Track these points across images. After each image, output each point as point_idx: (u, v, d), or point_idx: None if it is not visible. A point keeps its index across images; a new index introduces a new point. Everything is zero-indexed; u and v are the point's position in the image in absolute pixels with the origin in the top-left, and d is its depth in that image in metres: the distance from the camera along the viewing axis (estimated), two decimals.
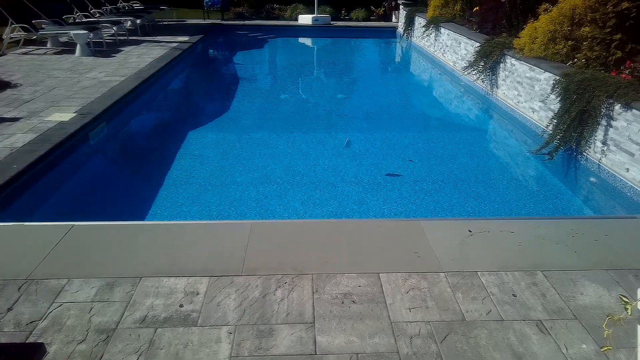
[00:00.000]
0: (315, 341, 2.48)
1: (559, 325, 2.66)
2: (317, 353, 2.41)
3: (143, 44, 11.67)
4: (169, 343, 2.43)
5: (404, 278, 3.01)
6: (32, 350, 1.06)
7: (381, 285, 2.94)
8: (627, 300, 2.22)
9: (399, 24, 15.68)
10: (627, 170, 4.79)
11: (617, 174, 4.93)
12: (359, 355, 2.41)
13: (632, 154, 4.71)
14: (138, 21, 13.27)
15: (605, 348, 2.42)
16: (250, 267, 3.07)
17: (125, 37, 12.21)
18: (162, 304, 2.71)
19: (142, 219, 4.37)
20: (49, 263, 3.05)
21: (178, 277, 2.94)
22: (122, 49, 10.99)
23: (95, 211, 4.58)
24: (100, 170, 5.99)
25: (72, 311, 2.62)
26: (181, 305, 2.71)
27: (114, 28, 11.71)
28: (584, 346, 2.51)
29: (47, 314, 2.60)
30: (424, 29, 12.28)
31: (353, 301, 2.79)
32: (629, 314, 2.18)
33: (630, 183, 4.74)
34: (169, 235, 3.43)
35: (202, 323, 2.58)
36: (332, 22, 16.76)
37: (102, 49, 10.66)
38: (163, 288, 2.84)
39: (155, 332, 2.50)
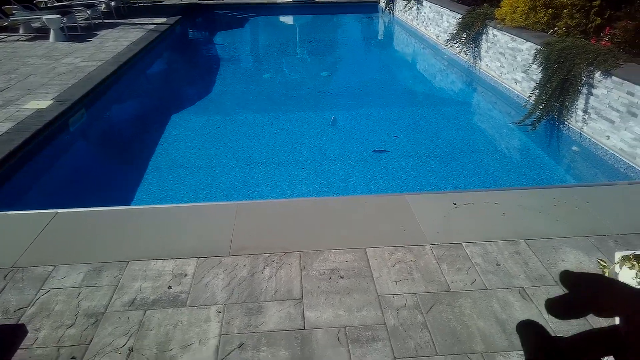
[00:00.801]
0: (304, 316, 2.52)
1: (541, 291, 2.73)
2: (305, 328, 2.45)
3: (119, 27, 11.35)
4: (159, 324, 2.45)
5: (390, 252, 3.05)
6: (12, 331, 1.05)
7: (368, 259, 2.98)
8: (605, 263, 2.29)
9: None
10: (608, 137, 4.86)
11: (598, 142, 5.00)
12: (347, 328, 2.46)
13: (612, 122, 4.78)
14: (112, 3, 12.88)
15: None
16: (238, 247, 3.08)
17: (100, 21, 11.85)
18: (150, 286, 2.72)
19: (127, 205, 4.33)
20: (34, 251, 3.02)
21: (166, 260, 2.94)
22: (97, 32, 10.68)
23: (78, 198, 4.52)
24: (82, 157, 5.89)
25: (60, 297, 2.62)
26: (169, 287, 2.72)
27: (87, 11, 11.35)
28: None
29: (34, 300, 2.59)
30: (405, 2, 12.13)
31: (340, 276, 2.83)
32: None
33: (610, 150, 4.82)
34: (155, 219, 3.41)
35: (191, 303, 2.59)
36: None
37: (77, 34, 10.35)
38: (151, 271, 2.84)
39: (144, 314, 2.51)
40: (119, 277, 2.80)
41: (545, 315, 2.51)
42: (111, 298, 2.63)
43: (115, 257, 2.97)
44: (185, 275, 2.82)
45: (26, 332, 1.20)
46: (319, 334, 2.40)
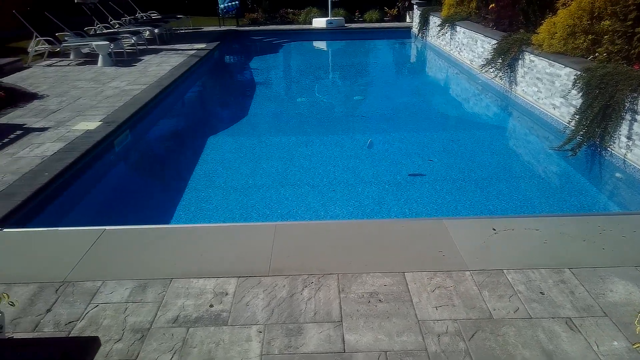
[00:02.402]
0: (343, 339, 2.52)
1: (589, 322, 2.64)
2: (345, 351, 2.44)
3: (162, 53, 11.91)
4: (201, 342, 2.50)
5: (429, 277, 3.03)
6: (87, 344, 1.12)
7: (407, 284, 2.96)
8: None
9: (413, 23, 15.64)
10: None
11: None
12: (388, 353, 2.44)
13: None
14: (156, 30, 13.55)
15: (638, 344, 2.40)
16: (277, 267, 3.12)
17: (145, 47, 12.47)
18: (192, 304, 2.78)
19: (168, 223, 4.47)
20: (83, 266, 3.16)
21: (207, 278, 3.01)
22: (142, 58, 11.23)
23: (123, 216, 4.70)
24: (126, 176, 6.14)
25: (108, 311, 2.71)
26: (211, 305, 2.77)
27: (133, 38, 11.97)
28: (615, 343, 2.49)
29: (84, 314, 2.70)
30: (439, 27, 12.23)
31: (379, 300, 2.82)
32: None
33: None
34: (195, 238, 3.51)
35: (233, 322, 2.64)
36: (346, 25, 16.82)
37: (123, 59, 10.92)
38: (193, 289, 2.91)
39: (187, 331, 2.57)
40: (163, 294, 2.88)
41: (595, 347, 2.43)
42: (156, 314, 2.71)
43: (159, 275, 3.06)
44: (227, 294, 2.88)
45: (99, 345, 1.26)
46: (360, 358, 2.39)
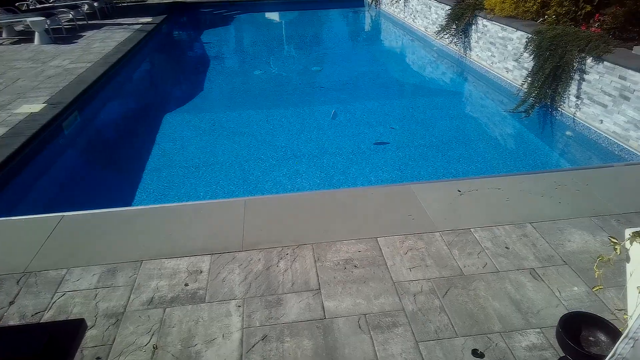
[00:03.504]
0: (323, 306, 2.55)
1: (551, 271, 2.80)
2: (326, 317, 2.48)
3: (104, 28, 11.19)
4: (180, 321, 2.46)
5: (401, 240, 3.10)
6: (74, 327, 1.06)
7: (380, 248, 3.02)
8: (616, 240, 2.36)
9: None
10: (601, 121, 4.97)
11: (591, 126, 5.11)
12: (367, 315, 2.49)
13: (605, 106, 4.88)
14: (96, 4, 12.68)
15: (597, 288, 2.58)
16: (250, 242, 3.09)
17: (85, 22, 11.67)
18: (167, 284, 2.72)
19: (130, 205, 4.31)
20: (44, 255, 3.00)
21: (179, 258, 2.94)
22: (83, 34, 10.52)
23: (81, 201, 4.48)
24: (79, 160, 5.83)
25: (77, 299, 2.61)
26: (186, 284, 2.72)
27: (71, 13, 11.16)
28: (576, 288, 2.66)
29: (51, 304, 2.58)
30: None
31: (355, 266, 2.86)
32: (618, 253, 2.32)
33: (604, 134, 4.93)
34: (163, 218, 3.40)
35: (210, 299, 2.61)
36: None
37: (62, 36, 10.18)
38: (166, 269, 2.84)
39: (164, 311, 2.52)
40: (135, 276, 2.79)
41: (557, 293, 2.59)
42: (129, 298, 2.63)
43: (128, 258, 2.96)
44: (201, 272, 2.83)
45: (86, 326, 1.20)
46: (340, 323, 2.44)
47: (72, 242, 3.15)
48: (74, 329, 1.05)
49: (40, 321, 2.46)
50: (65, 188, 4.96)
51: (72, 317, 2.49)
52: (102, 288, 2.70)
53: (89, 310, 2.53)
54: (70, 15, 11.14)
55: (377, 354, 2.25)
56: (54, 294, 2.66)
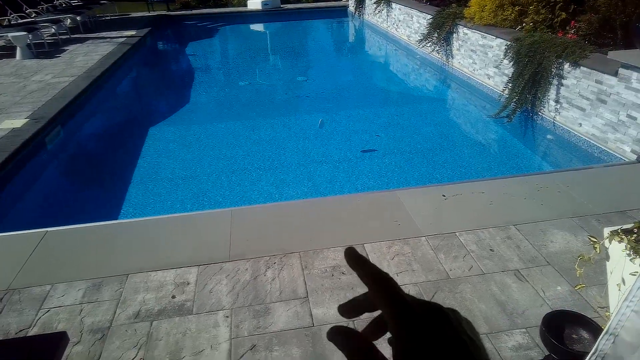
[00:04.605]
0: (311, 314, 2.55)
1: (535, 272, 2.85)
2: (314, 325, 2.48)
3: (88, 42, 11.15)
4: (167, 333, 2.44)
5: (387, 245, 3.12)
6: (54, 340, 1.05)
7: (367, 254, 3.04)
8: (595, 240, 2.41)
9: (350, 2, 15.68)
10: (580, 125, 5.08)
11: (571, 129, 5.23)
12: (355, 321, 2.50)
13: (583, 109, 5.00)
14: (78, 18, 12.62)
15: (579, 286, 2.63)
16: (237, 252, 3.09)
17: (68, 36, 11.60)
18: (153, 297, 2.70)
19: (117, 219, 4.27)
20: (28, 271, 2.95)
21: (166, 270, 2.92)
22: (66, 48, 10.46)
23: (65, 216, 4.43)
24: (63, 174, 5.77)
25: (62, 315, 2.57)
26: (173, 297, 2.71)
27: (53, 27, 11.09)
28: (559, 288, 2.71)
29: (35, 320, 2.54)
30: (375, 5, 12.35)
31: (342, 272, 2.88)
32: (598, 251, 2.37)
33: (583, 137, 5.04)
34: (149, 231, 3.39)
35: (198, 310, 2.59)
36: (282, 5, 16.54)
37: (45, 50, 10.11)
38: (152, 282, 2.82)
39: (151, 325, 2.50)
40: (120, 290, 2.77)
41: (542, 293, 2.63)
42: (115, 312, 2.60)
43: (113, 272, 2.93)
44: (188, 283, 2.81)
45: (68, 339, 1.19)
46: None
47: (57, 258, 3.11)
48: (55, 343, 1.04)
49: None
50: (49, 203, 4.90)
51: None
52: (87, 303, 2.67)
53: (74, 326, 2.50)
54: (53, 30, 11.07)
55: None
56: (38, 311, 2.62)
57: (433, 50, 8.66)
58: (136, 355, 2.31)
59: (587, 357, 1.53)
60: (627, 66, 4.32)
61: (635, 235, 2.24)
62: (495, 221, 3.36)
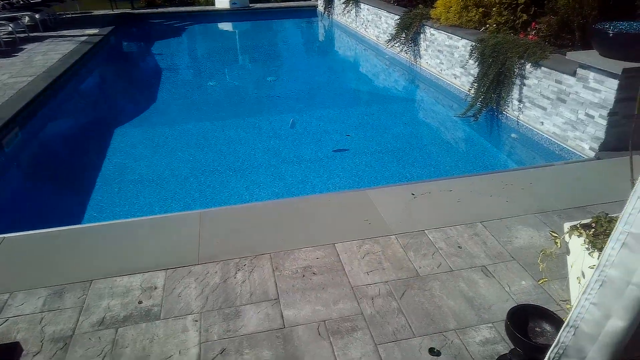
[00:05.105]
0: (282, 315, 2.54)
1: (501, 267, 2.92)
2: (285, 326, 2.47)
3: (47, 40, 10.73)
4: (134, 340, 2.37)
5: (358, 245, 3.14)
6: (7, 351, 0.99)
7: (338, 254, 3.04)
8: (556, 234, 2.49)
9: (319, 2, 15.71)
10: (542, 123, 5.26)
11: (533, 128, 5.40)
12: (326, 321, 2.50)
13: (544, 108, 5.18)
14: (37, 16, 12.12)
15: (542, 280, 2.72)
16: (206, 255, 3.04)
17: (26, 34, 11.13)
18: (119, 303, 2.62)
19: (80, 224, 4.12)
20: None
21: (132, 275, 2.84)
22: (23, 47, 10.04)
23: (25, 221, 4.24)
24: (22, 178, 5.52)
25: (21, 324, 2.46)
26: (140, 302, 2.63)
27: (10, 25, 10.62)
28: (523, 282, 2.79)
29: None
30: (343, 5, 12.41)
31: (313, 273, 2.87)
32: (559, 246, 2.45)
33: (545, 135, 5.22)
34: (114, 235, 3.28)
35: (165, 315, 2.53)
36: (250, 5, 16.39)
37: (1, 49, 9.67)
38: (118, 288, 2.74)
39: (116, 332, 2.42)
40: (84, 297, 2.67)
41: (507, 288, 2.70)
42: (78, 320, 2.51)
43: (76, 278, 2.83)
44: (156, 288, 2.74)
45: (22, 350, 1.13)
46: (300, 331, 2.43)
47: (15, 265, 2.97)
48: (8, 354, 0.99)
49: None
50: (6, 209, 4.68)
51: None
52: (48, 311, 2.56)
53: (34, 336, 2.39)
54: (10, 28, 10.59)
55: (337, 359, 2.26)
56: None
57: (401, 51, 8.78)
58: None
59: (550, 349, 1.57)
60: (584, 66, 4.49)
61: (593, 229, 2.33)
62: (463, 218, 3.43)
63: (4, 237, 3.23)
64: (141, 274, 2.86)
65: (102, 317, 2.52)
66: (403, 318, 2.51)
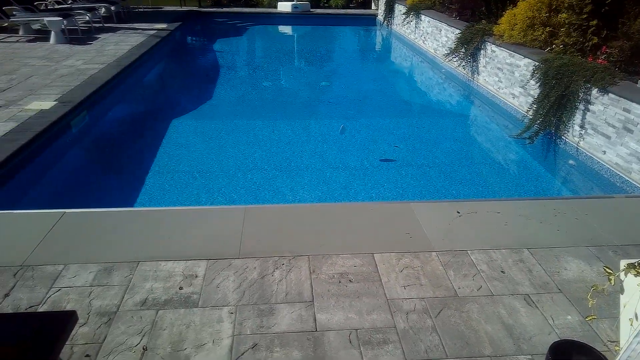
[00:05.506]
0: (315, 318, 2.55)
1: (545, 298, 2.80)
2: (317, 330, 2.48)
3: (119, 32, 11.39)
4: (172, 324, 2.46)
5: (397, 257, 3.11)
6: (64, 318, 1.08)
7: (376, 264, 3.03)
8: (611, 271, 2.36)
9: (379, 11, 15.71)
10: (604, 152, 4.99)
11: (594, 156, 5.13)
12: (358, 330, 2.49)
13: (608, 137, 4.91)
14: (112, 8, 12.93)
15: (590, 317, 2.58)
16: (247, 250, 3.11)
17: (101, 25, 11.89)
18: (161, 287, 2.73)
19: (132, 206, 4.34)
20: (43, 250, 3.02)
21: (176, 261, 2.96)
22: (97, 36, 10.71)
23: (83, 198, 4.52)
24: (85, 158, 5.89)
25: (72, 295, 2.62)
26: (181, 288, 2.73)
27: (88, 15, 11.38)
28: (569, 317, 2.65)
29: (45, 298, 2.60)
30: (404, 16, 12.35)
31: (350, 280, 2.87)
32: (612, 284, 2.32)
33: (607, 165, 4.94)
34: (163, 221, 3.43)
35: (203, 304, 2.62)
36: (311, 10, 16.67)
37: (77, 37, 10.37)
38: (161, 272, 2.86)
39: (157, 313, 2.53)
40: (130, 276, 2.81)
41: (551, 321, 2.58)
42: (123, 297, 2.64)
43: (125, 258, 2.98)
44: (196, 276, 2.84)
45: (77, 318, 1.22)
46: (331, 336, 2.44)
47: (72, 239, 3.17)
48: (64, 320, 1.07)
49: None
50: (69, 185, 5.00)
51: None
52: (97, 286, 2.72)
53: (82, 307, 2.54)
54: (87, 17, 11.34)
55: None
56: (49, 289, 2.68)
57: (459, 66, 8.61)
58: (139, 342, 2.34)
59: None
60: None
61: None
62: (509, 242, 3.31)
63: (64, 212, 3.46)
64: (184, 261, 2.97)
65: (145, 298, 2.64)
66: (437, 337, 2.46)
